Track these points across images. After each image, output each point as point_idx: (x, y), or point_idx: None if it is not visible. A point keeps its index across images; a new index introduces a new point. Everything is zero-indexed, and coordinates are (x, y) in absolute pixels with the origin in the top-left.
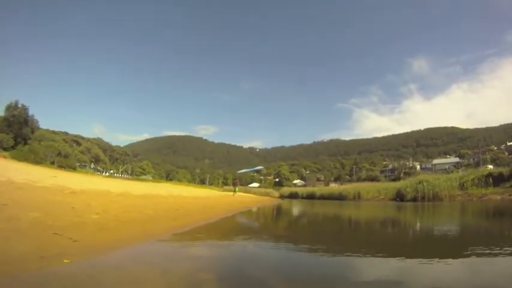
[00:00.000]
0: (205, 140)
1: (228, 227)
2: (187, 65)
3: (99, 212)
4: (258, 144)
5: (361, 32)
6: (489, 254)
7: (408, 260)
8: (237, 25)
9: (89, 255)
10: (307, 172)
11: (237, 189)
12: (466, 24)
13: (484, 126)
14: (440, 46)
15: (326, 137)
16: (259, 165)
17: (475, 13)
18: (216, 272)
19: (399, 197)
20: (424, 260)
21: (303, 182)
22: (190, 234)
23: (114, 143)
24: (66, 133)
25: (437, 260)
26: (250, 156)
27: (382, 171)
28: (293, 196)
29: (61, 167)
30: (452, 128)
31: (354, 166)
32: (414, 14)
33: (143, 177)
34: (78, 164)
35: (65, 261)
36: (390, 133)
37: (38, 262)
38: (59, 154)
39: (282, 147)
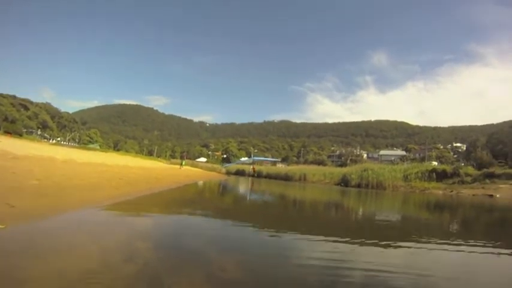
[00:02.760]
0: (156, 110)
1: (170, 199)
2: (142, 34)
3: (40, 178)
4: (208, 119)
5: (324, 17)
6: (426, 243)
7: (350, 243)
8: None
9: (26, 221)
10: (256, 151)
11: (184, 163)
12: (431, 28)
13: (433, 125)
14: (402, 43)
15: (277, 117)
16: (211, 141)
17: (441, 20)
18: (153, 241)
19: (344, 182)
20: (365, 244)
21: (251, 160)
22: (131, 203)
23: (63, 109)
24: (14, 96)
25: (377, 245)
26: (200, 130)
27: (329, 156)
28: (240, 173)
29: (7, 132)
30: (402, 123)
31: (302, 149)
32: (382, 8)
33: (90, 146)
34: (25, 130)
35: (0, 226)
36: (341, 120)
37: None
38: (6, 119)
39: (232, 123)
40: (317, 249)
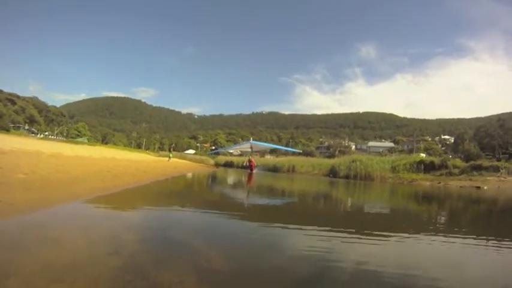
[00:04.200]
0: (144, 102)
1: (157, 191)
2: (129, 25)
3: (27, 172)
4: (196, 110)
5: (313, 8)
6: (414, 234)
7: (339, 234)
8: None
9: (12, 215)
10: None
11: (171, 155)
12: (421, 20)
13: (421, 117)
14: (391, 36)
15: (265, 108)
16: (199, 133)
17: (431, 13)
18: (138, 233)
19: (332, 173)
20: (354, 236)
21: (240, 152)
22: (118, 196)
23: (50, 103)
24: (0, 91)
25: (366, 236)
26: (188, 122)
27: (317, 148)
28: (228, 165)
29: None
30: (391, 114)
31: (291, 140)
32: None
33: (78, 139)
34: (12, 125)
35: None
36: (330, 112)
37: None
38: None
39: (220, 115)
40: (305, 241)
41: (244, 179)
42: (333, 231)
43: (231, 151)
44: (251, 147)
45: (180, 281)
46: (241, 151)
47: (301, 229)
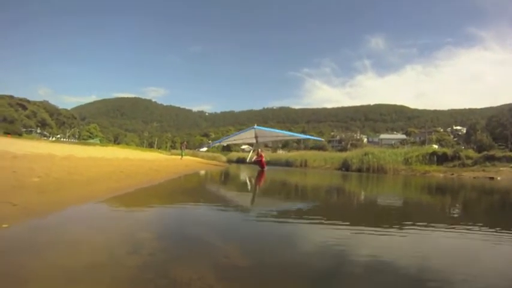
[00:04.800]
0: (155, 102)
1: (171, 189)
2: (136, 26)
3: (41, 175)
4: (207, 108)
5: (321, 2)
6: (428, 227)
7: (352, 228)
8: None
9: (29, 219)
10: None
11: (184, 153)
12: (429, 10)
13: (432, 108)
14: (399, 27)
15: (276, 104)
16: (211, 130)
17: (440, 2)
18: (156, 232)
19: (345, 166)
20: (367, 229)
21: (251, 148)
22: (133, 195)
23: (61, 106)
24: (11, 97)
25: (380, 229)
26: (199, 120)
27: (329, 141)
28: (241, 161)
29: (6, 133)
30: (402, 106)
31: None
32: None
33: (90, 141)
34: (24, 129)
35: (3, 225)
36: (340, 105)
37: None
38: (4, 119)
39: (231, 111)
40: (319, 235)
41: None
42: (348, 224)
43: (233, 140)
44: (256, 136)
45: (199, 277)
46: (244, 142)
47: (315, 223)
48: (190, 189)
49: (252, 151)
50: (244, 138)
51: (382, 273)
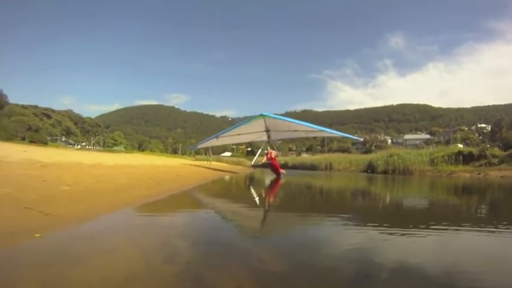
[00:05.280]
0: (178, 108)
1: (200, 195)
2: (158, 34)
3: (71, 183)
4: (230, 113)
5: (339, 4)
6: (456, 229)
7: (380, 230)
8: None
9: (61, 228)
10: (279, 142)
11: (210, 159)
12: (447, 5)
13: (456, 106)
14: (418, 24)
15: (299, 107)
16: None
17: None
18: (190, 238)
19: (370, 169)
20: (394, 231)
21: (275, 152)
22: (163, 202)
23: (85, 115)
24: (36, 106)
25: (407, 231)
26: (223, 125)
27: (353, 144)
28: (265, 166)
29: (32, 142)
30: (425, 105)
31: (326, 137)
32: None
33: (115, 148)
34: (50, 137)
35: (36, 235)
36: (363, 106)
37: (7, 239)
38: (30, 129)
39: (254, 116)
40: (346, 237)
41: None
42: (375, 226)
43: (234, 136)
44: (267, 130)
45: (237, 285)
46: (252, 140)
47: (341, 224)
48: (219, 194)
49: (259, 152)
50: (250, 131)
51: (409, 277)
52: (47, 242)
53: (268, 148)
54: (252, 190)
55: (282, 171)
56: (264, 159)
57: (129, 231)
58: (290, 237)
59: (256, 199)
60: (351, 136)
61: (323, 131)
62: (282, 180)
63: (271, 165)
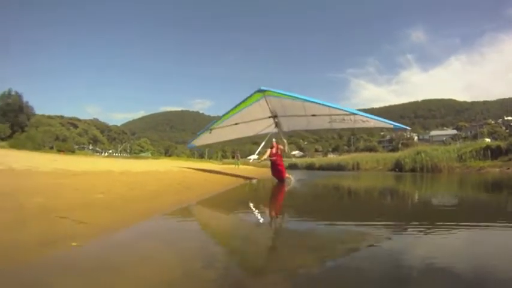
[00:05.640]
0: (202, 113)
1: (232, 199)
2: (180, 41)
3: (103, 191)
4: None
5: (356, 3)
6: (487, 227)
7: (410, 229)
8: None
9: (97, 236)
10: (305, 143)
11: (239, 162)
12: None
13: (481, 99)
14: (438, 16)
15: None
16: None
17: None
18: (227, 243)
19: (398, 167)
20: (423, 230)
21: (302, 153)
22: (196, 207)
23: (110, 123)
24: (62, 117)
25: (436, 229)
26: None
27: (379, 142)
28: (292, 167)
29: (60, 151)
30: (450, 100)
31: (352, 137)
32: None
33: (142, 154)
34: (77, 146)
35: (73, 244)
36: (388, 104)
37: (45, 248)
38: (57, 138)
39: None
40: (377, 237)
41: (310, 179)
42: (403, 225)
43: (233, 122)
44: (273, 115)
45: None
46: (256, 132)
47: (370, 225)
48: (251, 197)
49: (262, 145)
50: (251, 119)
51: (440, 276)
52: (85, 251)
53: (274, 140)
54: (280, 193)
55: (288, 175)
56: (266, 156)
57: (165, 237)
58: (325, 239)
59: (285, 202)
60: (393, 123)
61: (354, 114)
62: (288, 187)
63: (272, 165)
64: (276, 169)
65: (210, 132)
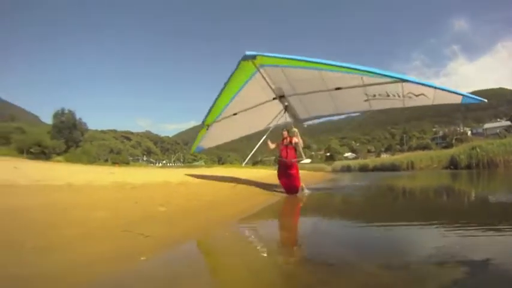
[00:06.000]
0: None
1: (292, 206)
2: (223, 46)
3: (163, 203)
4: None
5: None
6: None
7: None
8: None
9: (163, 250)
10: (358, 144)
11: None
12: None
13: None
14: (478, 1)
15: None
16: (311, 142)
17: None
18: (295, 253)
19: (453, 164)
20: (481, 231)
21: (354, 155)
22: (258, 216)
23: (162, 134)
24: (115, 131)
25: (494, 231)
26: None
27: (432, 139)
28: (346, 169)
29: (115, 163)
30: (501, 89)
31: (404, 135)
32: None
33: (196, 163)
34: (131, 158)
35: (142, 258)
36: None
37: (114, 263)
38: (111, 151)
39: (329, 120)
40: (436, 238)
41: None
42: (458, 226)
43: (230, 112)
44: (279, 95)
45: None
46: (257, 127)
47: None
48: (310, 203)
49: (267, 134)
50: (252, 103)
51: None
52: (154, 265)
53: (285, 133)
54: (337, 197)
55: (303, 186)
56: (274, 146)
57: (231, 249)
58: (386, 243)
59: (343, 206)
60: (462, 92)
61: (403, 80)
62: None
63: (282, 168)
64: (288, 174)
65: (207, 129)
